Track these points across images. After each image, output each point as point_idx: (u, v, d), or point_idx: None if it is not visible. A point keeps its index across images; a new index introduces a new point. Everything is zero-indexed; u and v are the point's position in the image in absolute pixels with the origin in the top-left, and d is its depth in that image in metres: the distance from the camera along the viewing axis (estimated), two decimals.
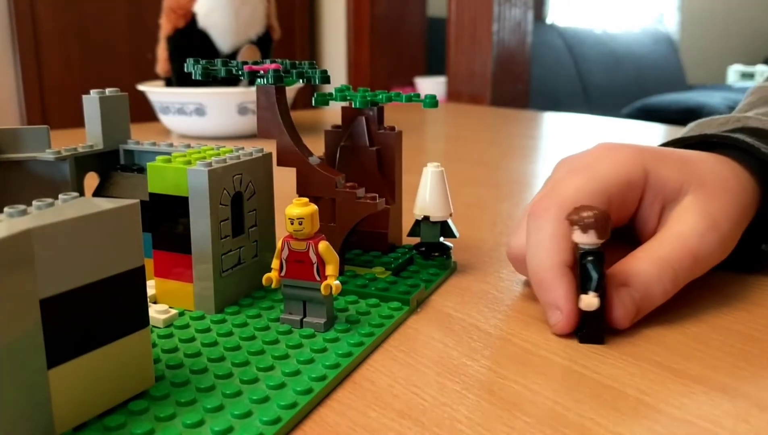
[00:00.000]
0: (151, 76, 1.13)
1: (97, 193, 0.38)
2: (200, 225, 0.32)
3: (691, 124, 0.45)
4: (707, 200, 0.34)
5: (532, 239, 0.33)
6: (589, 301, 0.30)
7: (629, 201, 0.35)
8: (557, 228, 0.32)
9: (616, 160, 0.34)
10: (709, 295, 0.35)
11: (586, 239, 0.30)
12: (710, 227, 0.33)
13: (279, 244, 0.31)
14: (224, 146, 0.36)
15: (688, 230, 0.33)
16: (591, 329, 0.30)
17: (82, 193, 0.37)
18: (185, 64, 0.37)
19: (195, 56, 0.38)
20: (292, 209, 0.30)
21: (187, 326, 0.32)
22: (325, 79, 0.37)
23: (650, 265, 0.32)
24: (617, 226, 0.35)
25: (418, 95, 0.40)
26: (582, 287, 0.30)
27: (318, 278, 0.31)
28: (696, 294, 0.35)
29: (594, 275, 0.30)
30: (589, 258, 0.30)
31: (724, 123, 0.42)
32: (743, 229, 0.35)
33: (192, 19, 1.00)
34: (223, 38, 1.00)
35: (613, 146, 0.36)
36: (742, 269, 0.38)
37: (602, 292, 0.30)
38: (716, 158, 0.36)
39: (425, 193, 0.40)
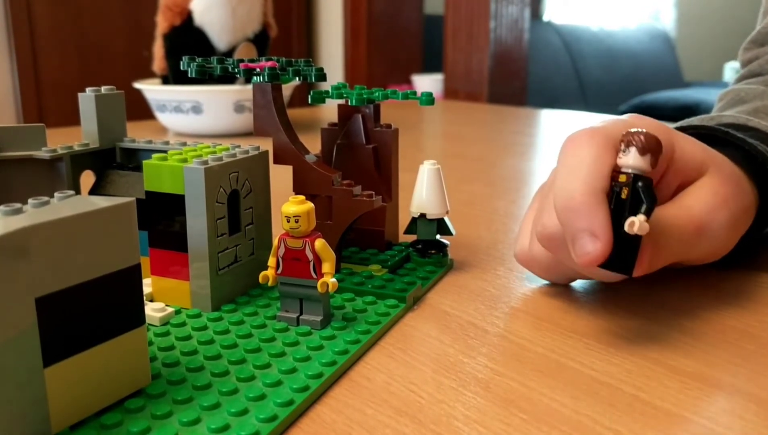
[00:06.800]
0: (147, 74, 1.13)
1: (93, 191, 0.38)
2: (196, 223, 0.32)
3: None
4: (722, 183, 0.34)
5: (569, 163, 0.31)
6: (644, 224, 0.28)
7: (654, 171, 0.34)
8: (600, 152, 0.30)
9: (648, 125, 0.33)
10: (704, 291, 0.35)
11: (640, 163, 0.28)
12: (720, 205, 0.33)
13: (276, 241, 0.31)
14: (221, 144, 0.36)
15: (697, 203, 0.33)
16: (625, 256, 0.29)
17: (78, 192, 0.37)
18: (181, 62, 0.37)
19: (191, 54, 0.38)
20: (289, 207, 0.30)
21: (183, 324, 0.32)
22: (321, 76, 0.37)
23: (655, 226, 0.30)
24: None
25: (415, 93, 0.40)
26: (632, 211, 0.28)
27: (314, 276, 0.31)
28: (691, 291, 0.35)
29: (646, 200, 0.28)
30: (640, 183, 0.28)
31: (700, 122, 0.42)
32: (745, 227, 0.35)
33: (188, 17, 1.00)
34: (219, 36, 1.00)
35: (641, 116, 0.35)
36: (733, 261, 0.38)
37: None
38: (724, 157, 0.36)
39: (422, 191, 0.40)
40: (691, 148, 0.34)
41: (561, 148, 0.32)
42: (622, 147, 0.29)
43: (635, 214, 0.28)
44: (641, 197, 0.28)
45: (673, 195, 0.34)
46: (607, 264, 0.29)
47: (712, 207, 0.33)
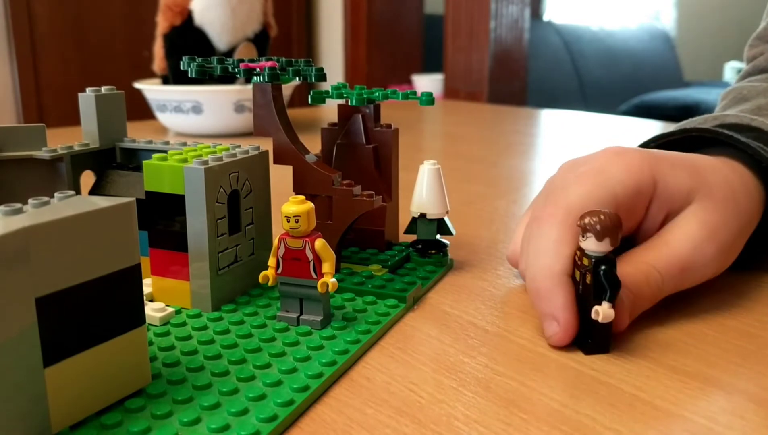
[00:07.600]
0: (147, 73, 1.13)
1: (94, 191, 0.38)
2: (196, 223, 0.32)
3: (673, 128, 0.45)
4: (712, 210, 0.33)
5: (534, 245, 0.32)
6: (607, 312, 0.28)
7: (637, 209, 0.33)
8: (562, 234, 0.31)
9: (625, 166, 0.33)
10: (704, 291, 0.35)
11: (599, 247, 0.28)
12: (708, 238, 0.32)
13: (276, 241, 0.31)
14: (221, 144, 0.36)
15: (680, 239, 0.32)
16: (599, 339, 0.29)
17: (78, 192, 0.37)
18: (181, 62, 0.37)
19: (192, 54, 0.38)
20: (289, 207, 0.30)
21: (183, 324, 0.32)
22: (321, 76, 0.37)
23: (635, 269, 0.31)
24: (625, 235, 0.34)
25: (415, 93, 0.40)
26: (596, 297, 0.29)
27: (314, 276, 0.31)
28: (691, 291, 0.35)
29: (609, 285, 0.28)
30: (603, 267, 0.28)
31: (702, 122, 0.42)
32: (746, 239, 0.35)
33: (189, 17, 1.00)
34: (219, 36, 1.00)
35: (622, 151, 0.34)
36: (739, 267, 0.38)
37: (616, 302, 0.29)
38: (725, 164, 0.36)
39: (422, 191, 0.40)
40: (676, 179, 0.33)
41: (531, 221, 0.33)
42: (581, 232, 0.29)
43: (600, 299, 0.28)
44: (603, 283, 0.28)
45: (660, 226, 0.34)
46: (581, 347, 0.30)
47: (698, 242, 0.32)
